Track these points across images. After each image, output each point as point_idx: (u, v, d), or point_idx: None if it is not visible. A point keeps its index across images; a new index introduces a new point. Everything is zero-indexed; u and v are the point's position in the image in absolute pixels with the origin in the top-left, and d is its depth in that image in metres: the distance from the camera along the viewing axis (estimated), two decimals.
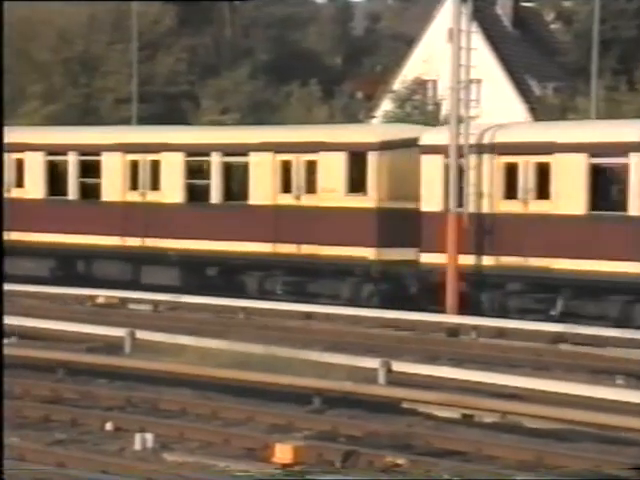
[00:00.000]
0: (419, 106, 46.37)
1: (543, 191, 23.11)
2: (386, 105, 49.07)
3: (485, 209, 24.36)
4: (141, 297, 25.50)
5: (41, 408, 15.26)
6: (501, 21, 55.86)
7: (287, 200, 25.75)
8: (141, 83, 53.67)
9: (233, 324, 22.75)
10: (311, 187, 25.50)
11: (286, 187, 25.79)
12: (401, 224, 24.52)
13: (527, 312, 22.97)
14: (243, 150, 26.37)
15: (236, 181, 26.94)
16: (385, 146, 25.00)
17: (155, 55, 58.57)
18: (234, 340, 18.82)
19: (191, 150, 27.21)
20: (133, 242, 28.03)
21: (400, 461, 12.50)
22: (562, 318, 22.43)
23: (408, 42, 57.15)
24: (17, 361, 17.93)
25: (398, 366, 16.47)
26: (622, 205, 22.12)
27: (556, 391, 14.91)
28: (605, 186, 22.79)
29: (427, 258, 24.02)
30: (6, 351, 18.70)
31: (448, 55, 25.96)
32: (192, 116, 55.08)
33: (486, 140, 24.50)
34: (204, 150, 27.04)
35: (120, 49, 57.26)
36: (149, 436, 13.53)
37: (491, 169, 24.04)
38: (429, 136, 24.97)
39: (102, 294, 25.84)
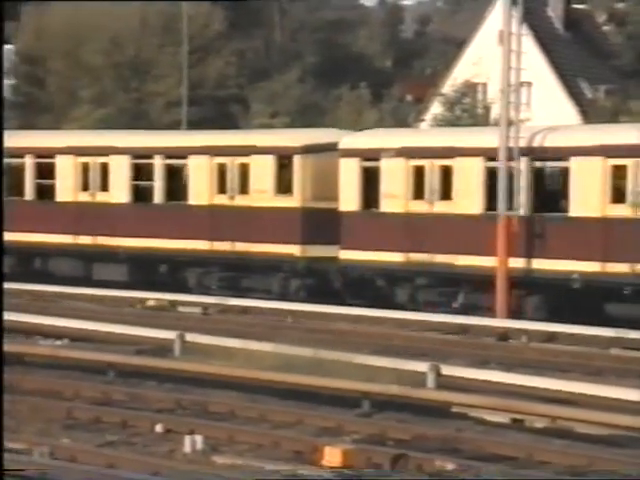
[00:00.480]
0: (469, 109, 46.17)
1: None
2: (435, 108, 48.90)
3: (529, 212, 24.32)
4: (191, 300, 25.62)
5: (92, 410, 15.36)
6: (552, 23, 55.45)
7: (222, 200, 27.41)
8: (191, 86, 53.96)
9: (281, 327, 22.79)
10: (244, 188, 27.14)
11: (221, 188, 27.45)
12: (324, 223, 26.01)
13: (433, 305, 24.70)
14: (183, 153, 28.14)
15: (177, 182, 28.44)
16: (309, 150, 26.63)
17: (205, 58, 58.84)
18: (282, 343, 18.84)
19: (136, 153, 28.96)
20: (85, 240, 29.75)
21: (449, 465, 12.44)
22: (463, 310, 24.10)
23: (458, 45, 56.94)
24: (68, 363, 18.10)
25: (447, 370, 16.40)
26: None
27: (607, 396, 14.77)
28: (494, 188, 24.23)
29: (346, 254, 25.65)
30: (58, 353, 18.88)
31: (498, 58, 25.83)
32: (241, 119, 55.28)
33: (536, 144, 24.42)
34: (148, 153, 28.80)
35: (171, 53, 57.60)
36: (199, 438, 13.58)
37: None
38: (347, 140, 26.52)
39: (152, 297, 25.99)
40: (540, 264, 23.98)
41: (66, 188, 29.98)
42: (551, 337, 21.52)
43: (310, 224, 26.29)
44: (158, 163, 28.53)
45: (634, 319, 22.27)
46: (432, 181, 25.00)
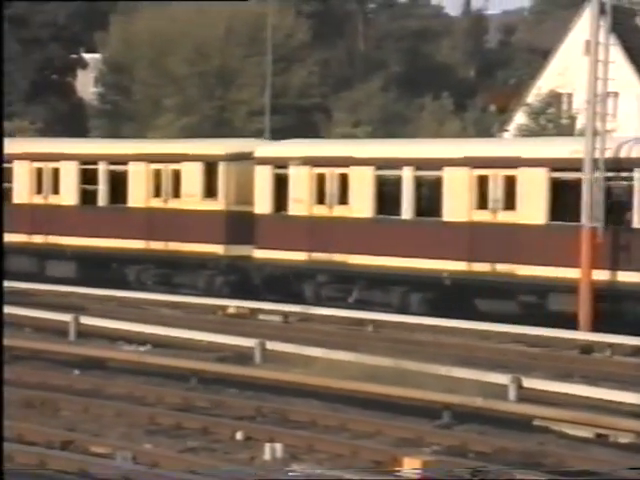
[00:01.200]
0: (553, 119, 45.75)
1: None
2: (520, 118, 48.53)
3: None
4: (271, 308, 25.71)
5: (174, 415, 15.48)
6: None
7: (157, 203, 29.87)
8: (274, 95, 54.25)
9: (362, 336, 22.75)
10: (176, 192, 29.55)
11: (157, 192, 29.86)
12: (246, 225, 28.18)
13: (331, 300, 26.60)
14: (124, 160, 30.51)
15: (118, 187, 30.68)
16: (232, 158, 28.96)
17: (289, 68, 59.11)
18: (363, 352, 18.80)
19: (84, 160, 31.32)
20: (38, 239, 32.06)
21: (532, 479, 12.30)
22: (357, 305, 26.14)
23: (543, 55, 56.45)
24: (151, 368, 18.28)
25: (529, 382, 16.23)
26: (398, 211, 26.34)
27: None
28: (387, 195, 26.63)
29: (259, 254, 27.98)
30: (141, 358, 19.09)
31: (585, 68, 25.54)
32: (324, 128, 55.41)
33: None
34: (94, 160, 31.13)
35: (255, 62, 57.98)
36: (278, 446, 13.60)
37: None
38: (262, 149, 28.89)
39: (233, 304, 26.14)
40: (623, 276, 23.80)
41: (22, 191, 32.20)
42: (636, 350, 21.18)
43: (233, 226, 28.68)
44: (102, 169, 30.90)
45: None
46: (332, 187, 27.20)
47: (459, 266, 25.24)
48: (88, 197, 31.16)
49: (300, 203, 27.41)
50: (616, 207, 24.33)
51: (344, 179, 26.96)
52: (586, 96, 25.11)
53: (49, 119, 58.57)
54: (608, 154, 24.00)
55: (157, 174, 29.85)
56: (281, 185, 27.73)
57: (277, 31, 55.79)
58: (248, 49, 58.98)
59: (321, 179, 27.26)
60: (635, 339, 21.82)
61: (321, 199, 27.29)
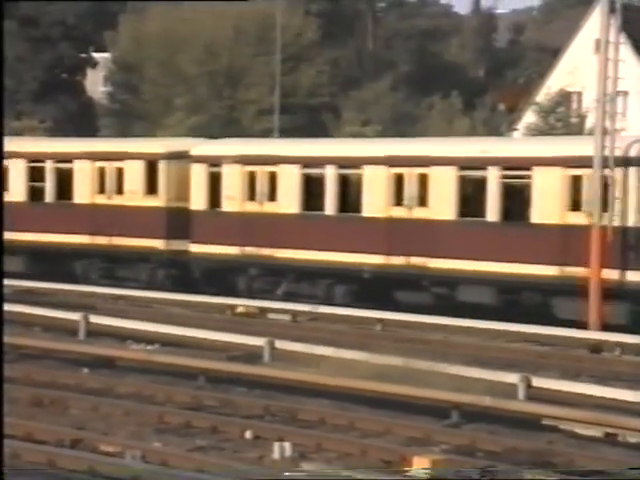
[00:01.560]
0: (563, 118, 45.68)
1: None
2: (529, 117, 48.46)
3: (633, 223, 23.99)
4: (280, 307, 25.71)
5: (183, 414, 15.49)
6: None
7: (102, 200, 31.13)
8: (283, 95, 54.27)
9: (371, 335, 22.74)
10: (120, 189, 30.80)
11: (101, 189, 31.10)
12: (184, 220, 29.45)
13: (263, 292, 27.90)
14: (69, 158, 31.78)
15: (64, 184, 31.92)
16: (172, 156, 30.14)
17: (298, 67, 59.13)
18: (372, 352, 18.79)
19: (31, 158, 32.52)
20: None
21: (540, 478, 12.28)
22: (285, 297, 27.28)
23: (553, 53, 56.37)
24: (160, 367, 18.29)
25: (538, 382, 16.20)
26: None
27: None
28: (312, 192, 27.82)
29: (195, 248, 29.23)
30: (150, 357, 19.09)
31: (594, 67, 25.49)
32: (333, 128, 55.39)
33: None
34: (41, 158, 32.39)
35: (264, 61, 58.00)
36: (287, 445, 13.60)
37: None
38: (197, 148, 30.03)
39: (242, 303, 26.16)
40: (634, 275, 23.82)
41: None
42: None
43: (173, 221, 29.86)
44: (49, 167, 32.09)
45: None
46: (262, 185, 28.45)
47: (378, 259, 26.53)
48: (36, 194, 32.28)
49: (232, 200, 28.71)
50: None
51: (273, 177, 28.20)
52: (596, 95, 25.06)
53: (59, 118, 58.67)
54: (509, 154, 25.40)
55: (101, 171, 31.07)
56: (215, 183, 28.97)
57: (286, 30, 55.80)
58: (257, 48, 59.01)
59: (252, 177, 28.49)
60: None
61: (252, 196, 28.57)
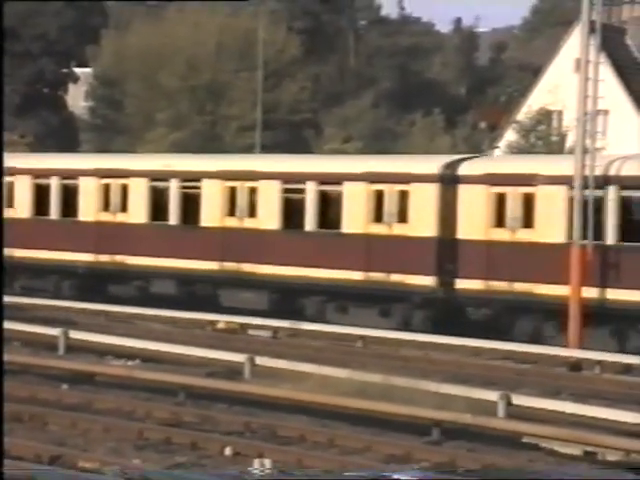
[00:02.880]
0: (543, 137, 45.88)
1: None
2: (510, 135, 48.65)
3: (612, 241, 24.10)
4: (261, 323, 25.69)
5: (162, 430, 15.44)
6: (631, 52, 54.93)
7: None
8: (265, 111, 54.33)
9: (351, 352, 22.74)
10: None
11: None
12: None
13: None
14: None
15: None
16: None
17: (280, 83, 59.22)
18: (352, 368, 18.79)
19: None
20: None
21: None
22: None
23: (534, 72, 56.68)
24: (140, 383, 18.23)
25: (518, 399, 16.23)
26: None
27: None
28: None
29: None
30: (130, 373, 19.01)
31: (575, 86, 25.64)
32: (315, 144, 55.48)
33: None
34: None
35: (246, 77, 58.07)
36: (267, 462, 13.57)
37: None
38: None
39: (222, 319, 26.11)
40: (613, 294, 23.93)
41: None
42: (626, 368, 21.20)
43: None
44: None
45: None
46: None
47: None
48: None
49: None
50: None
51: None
52: (576, 114, 25.20)
53: (40, 133, 58.56)
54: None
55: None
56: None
57: (268, 46, 55.90)
58: (239, 64, 59.07)
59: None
60: (625, 357, 21.85)
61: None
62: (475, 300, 25.48)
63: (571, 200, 24.23)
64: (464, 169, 26.30)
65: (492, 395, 16.30)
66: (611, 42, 48.28)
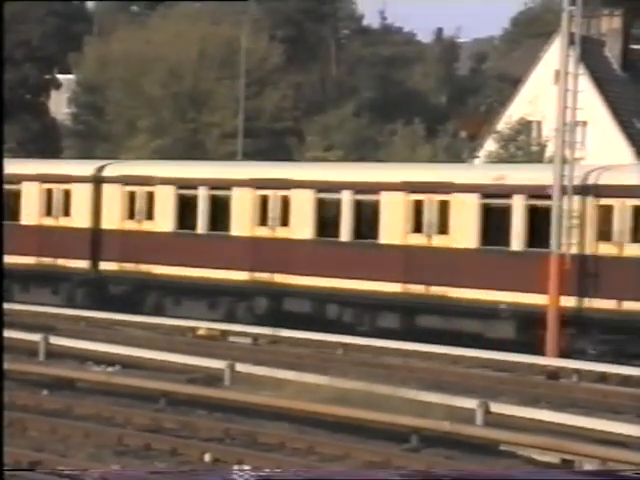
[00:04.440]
0: (523, 147, 46.10)
1: None
2: (490, 145, 48.87)
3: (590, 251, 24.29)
4: (241, 330, 25.75)
5: (142, 437, 15.49)
6: (610, 64, 55.24)
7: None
8: (247, 118, 54.39)
9: (332, 359, 22.83)
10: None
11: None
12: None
13: None
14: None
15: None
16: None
17: (262, 91, 59.31)
18: (332, 375, 18.88)
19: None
20: None
21: None
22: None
23: (513, 83, 56.93)
24: (120, 389, 18.28)
25: (496, 407, 16.36)
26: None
27: None
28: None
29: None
30: (110, 379, 19.03)
31: (554, 97, 25.84)
32: (296, 152, 55.58)
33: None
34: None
35: (228, 85, 58.13)
36: (247, 468, 13.64)
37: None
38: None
39: (203, 326, 26.16)
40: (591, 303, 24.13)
41: None
42: (602, 377, 21.36)
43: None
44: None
45: None
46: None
47: None
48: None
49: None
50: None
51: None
52: (555, 124, 25.39)
53: (22, 139, 58.46)
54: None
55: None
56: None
57: (250, 55, 55.99)
58: (221, 72, 59.13)
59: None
60: (602, 365, 22.02)
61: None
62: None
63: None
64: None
65: (470, 403, 16.41)
66: (590, 54, 48.55)
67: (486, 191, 25.70)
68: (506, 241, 25.35)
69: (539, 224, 24.91)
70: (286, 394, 17.46)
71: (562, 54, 25.13)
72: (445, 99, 76.33)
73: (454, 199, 25.89)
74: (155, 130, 57.13)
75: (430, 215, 26.29)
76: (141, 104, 58.28)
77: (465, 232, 25.71)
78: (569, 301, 24.06)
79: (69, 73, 65.32)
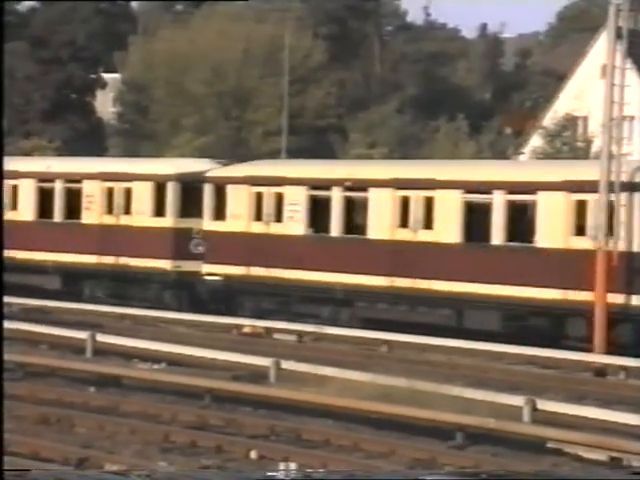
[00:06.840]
0: (569, 142, 45.80)
1: None
2: (535, 141, 48.59)
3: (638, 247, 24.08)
4: (286, 327, 25.78)
5: (188, 434, 15.55)
6: None
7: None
8: (291, 116, 54.49)
9: (375, 356, 22.79)
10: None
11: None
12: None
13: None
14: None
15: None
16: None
17: (305, 89, 59.38)
18: (376, 373, 18.85)
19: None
20: None
21: None
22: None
23: (559, 78, 56.56)
24: (166, 386, 18.36)
25: (543, 405, 16.25)
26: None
27: None
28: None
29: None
30: (156, 376, 19.14)
31: (600, 91, 25.63)
32: (340, 149, 55.57)
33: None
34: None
35: (272, 83, 58.25)
36: (292, 465, 13.65)
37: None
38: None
39: (248, 323, 26.21)
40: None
41: None
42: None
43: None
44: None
45: None
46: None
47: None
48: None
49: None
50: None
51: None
52: (602, 120, 25.18)
53: (68, 138, 58.92)
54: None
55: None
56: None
57: (294, 52, 56.05)
58: (265, 70, 59.26)
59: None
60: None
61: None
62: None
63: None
64: None
65: (517, 400, 16.31)
66: (638, 48, 48.03)
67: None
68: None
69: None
70: (330, 391, 17.45)
71: (609, 48, 24.89)
72: (489, 95, 75.95)
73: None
74: (199, 128, 57.38)
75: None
76: (185, 102, 58.56)
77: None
78: (616, 298, 23.86)
79: (114, 72, 65.72)
